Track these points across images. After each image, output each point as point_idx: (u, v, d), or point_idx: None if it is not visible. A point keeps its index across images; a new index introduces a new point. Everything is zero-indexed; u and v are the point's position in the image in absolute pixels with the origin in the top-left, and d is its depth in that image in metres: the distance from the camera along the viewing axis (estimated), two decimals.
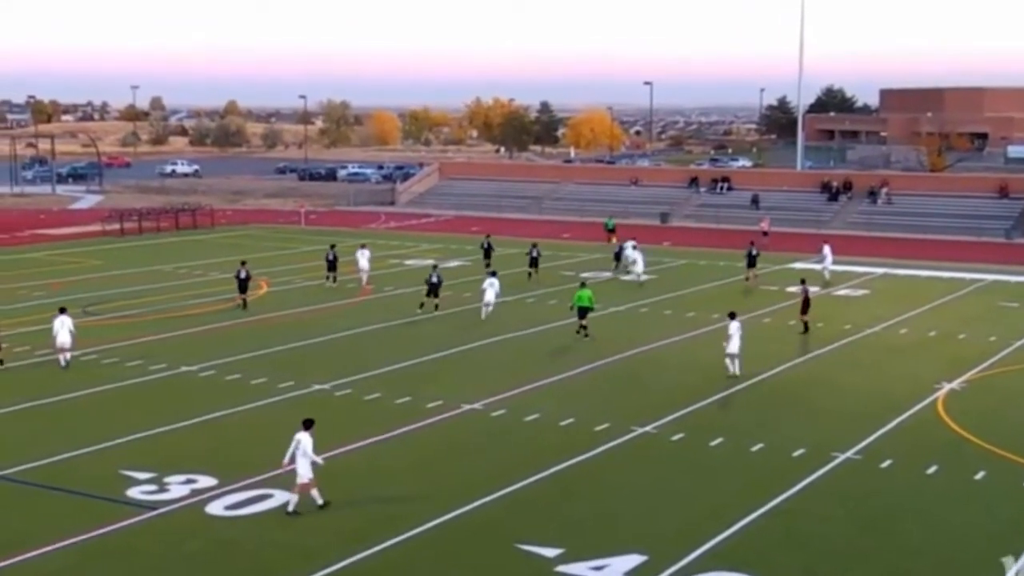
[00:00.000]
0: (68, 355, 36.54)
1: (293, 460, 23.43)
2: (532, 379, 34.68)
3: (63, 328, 36.41)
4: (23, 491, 24.59)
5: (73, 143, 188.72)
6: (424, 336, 41.40)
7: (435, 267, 48.38)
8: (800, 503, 24.21)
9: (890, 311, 47.07)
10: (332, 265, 53.80)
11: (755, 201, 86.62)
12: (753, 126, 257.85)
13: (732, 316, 36.12)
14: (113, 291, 50.81)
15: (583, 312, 41.39)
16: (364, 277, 53.56)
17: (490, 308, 44.99)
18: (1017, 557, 19.52)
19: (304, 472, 23.25)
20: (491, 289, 45.17)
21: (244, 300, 47.47)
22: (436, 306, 46.16)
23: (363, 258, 54.16)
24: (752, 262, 55.29)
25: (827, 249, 56.99)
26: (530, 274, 55.50)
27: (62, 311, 37.38)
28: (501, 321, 44.19)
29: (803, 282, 44.12)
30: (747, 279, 55.02)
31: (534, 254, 56.49)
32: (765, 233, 70.44)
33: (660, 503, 24.24)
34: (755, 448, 27.88)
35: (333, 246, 55.43)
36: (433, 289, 46.25)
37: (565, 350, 39.13)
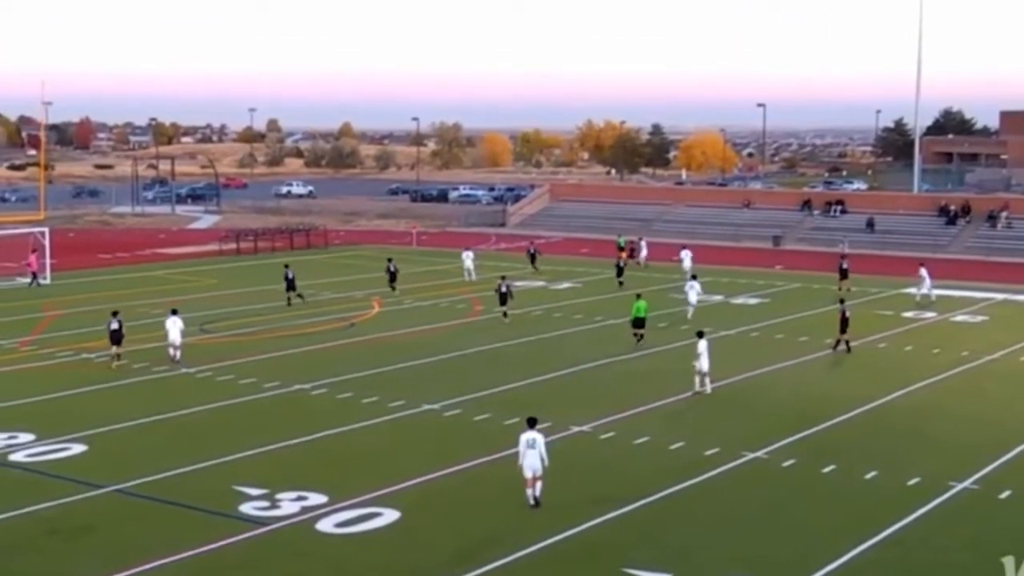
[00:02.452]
0: (178, 352, 40.18)
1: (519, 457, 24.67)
2: (641, 402, 34.49)
3: (174, 327, 40.23)
4: (140, 504, 25.10)
5: (192, 164, 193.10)
6: (533, 358, 41.44)
7: (503, 278, 52.03)
8: (915, 533, 23.68)
9: (1010, 338, 45.91)
10: (393, 277, 57.93)
11: (870, 224, 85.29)
12: (868, 148, 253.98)
13: (700, 335, 36.14)
14: (228, 309, 51.72)
15: (638, 322, 43.61)
16: (468, 277, 60.55)
17: (691, 310, 49.68)
18: (1018, 558, 19.01)
19: (536, 467, 24.28)
20: (692, 292, 49.88)
21: (291, 298, 52.99)
22: (504, 314, 49.26)
23: (468, 260, 61.92)
24: (844, 275, 58.70)
25: (924, 271, 55.83)
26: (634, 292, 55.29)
27: (174, 312, 41.10)
28: (609, 343, 44.06)
29: (842, 302, 45.35)
30: (839, 289, 57.03)
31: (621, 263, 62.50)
32: (844, 256, 69.94)
33: (770, 530, 23.91)
34: (869, 476, 27.37)
35: (391, 259, 60.15)
36: (503, 299, 49.44)
37: (672, 373, 38.80)
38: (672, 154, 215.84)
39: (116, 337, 39.70)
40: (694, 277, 52.89)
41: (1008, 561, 18.91)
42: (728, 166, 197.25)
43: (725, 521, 24.35)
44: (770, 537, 23.48)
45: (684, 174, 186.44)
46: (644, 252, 69.59)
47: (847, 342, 42.68)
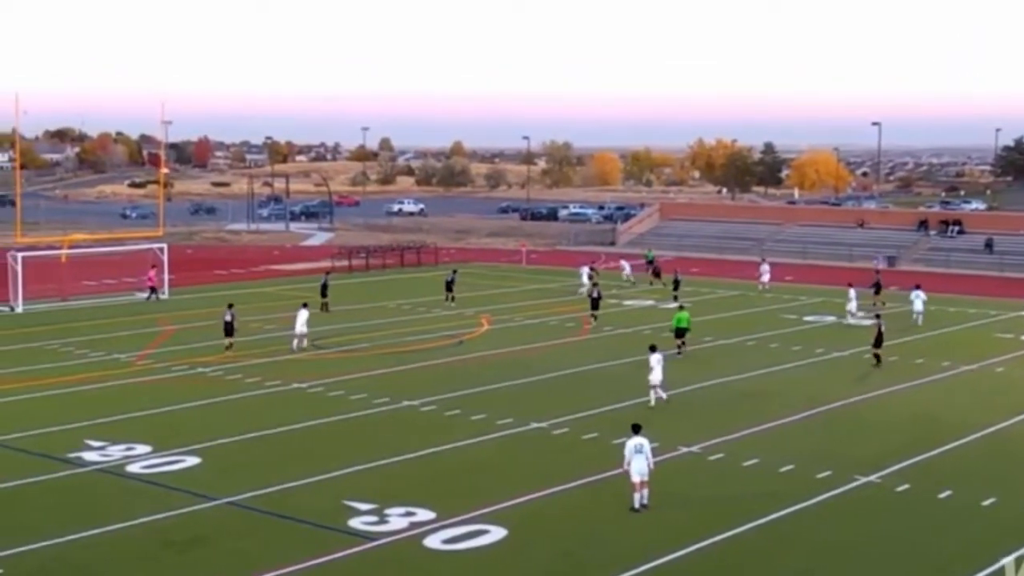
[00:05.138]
0: (304, 342, 45.59)
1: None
2: (750, 423, 34.09)
3: (301, 320, 45.51)
4: (251, 517, 25.43)
5: (306, 182, 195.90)
6: (641, 378, 41.12)
7: (595, 284, 57.05)
8: None
9: None
10: (449, 286, 60.88)
11: (989, 245, 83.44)
12: (987, 167, 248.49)
13: (653, 349, 37.14)
14: (339, 326, 52.28)
15: (680, 332, 45.16)
16: (583, 291, 60.68)
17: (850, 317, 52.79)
18: (1018, 559, 18.38)
19: (643, 472, 25.09)
20: (853, 301, 53.91)
21: (325, 303, 56.01)
22: (595, 316, 53.37)
23: (584, 275, 63.79)
24: (877, 290, 60.50)
25: None
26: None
27: (304, 306, 46.78)
28: (718, 363, 43.68)
29: (878, 317, 45.60)
30: (875, 304, 58.09)
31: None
32: (878, 271, 69.82)
33: (885, 556, 23.41)
34: (987, 502, 26.69)
35: (456, 271, 64.14)
36: (594, 304, 53.66)
37: (781, 394, 38.35)
38: (784, 173, 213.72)
39: (228, 328, 45.08)
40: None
41: (1008, 561, 18.42)
42: (842, 185, 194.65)
43: (837, 547, 23.90)
44: (884, 564, 22.99)
45: (796, 193, 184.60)
46: (767, 276, 67.90)
47: (878, 356, 43.40)
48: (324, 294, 56.56)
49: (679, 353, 44.62)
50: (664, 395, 36.56)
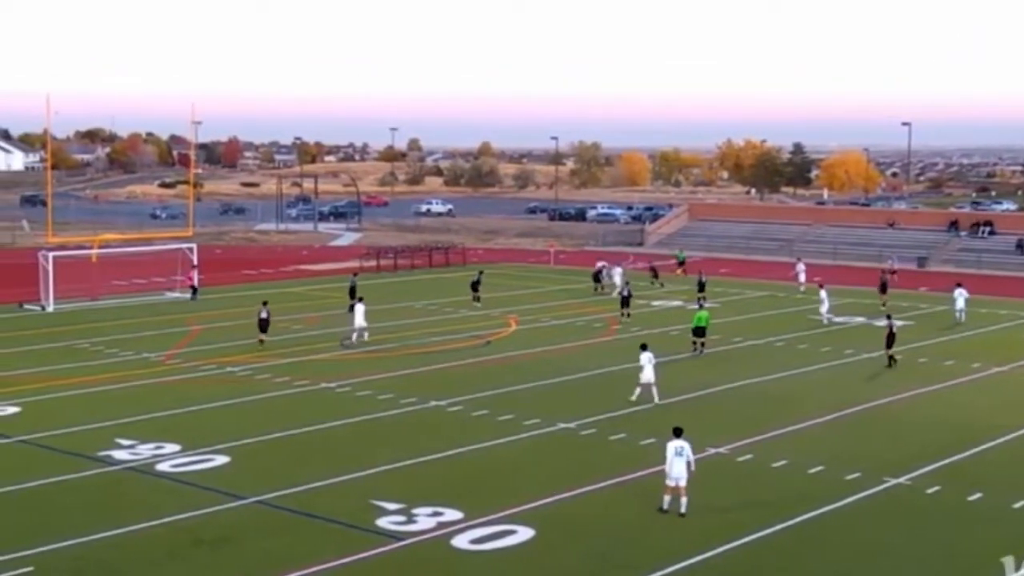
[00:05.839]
0: (364, 335, 47.88)
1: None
2: (779, 424, 33.95)
3: (359, 314, 47.72)
4: (280, 516, 25.50)
5: (335, 183, 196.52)
6: (669, 378, 41.05)
7: (627, 283, 59.31)
8: None
9: None
10: (475, 287, 61.22)
11: (1020, 246, 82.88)
12: (1019, 168, 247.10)
13: (643, 348, 37.37)
14: (367, 326, 52.31)
15: (699, 331, 45.77)
16: (614, 292, 61.31)
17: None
18: (1018, 559, 18.22)
19: (682, 475, 24.85)
20: (826, 303, 54.06)
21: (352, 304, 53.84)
22: (628, 315, 54.76)
23: (617, 276, 64.09)
24: (884, 289, 60.92)
25: None
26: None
27: (360, 300, 49.25)
28: (746, 364, 43.54)
29: (889, 317, 45.89)
30: (883, 304, 58.61)
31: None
32: (893, 271, 70.22)
33: (916, 558, 23.28)
34: (1017, 505, 26.49)
35: (482, 272, 64.73)
36: (625, 301, 55.06)
37: (809, 396, 38.19)
38: (813, 173, 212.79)
39: (263, 325, 47.16)
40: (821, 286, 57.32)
41: (1008, 561, 18.29)
42: (871, 186, 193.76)
43: (868, 549, 23.78)
44: (915, 565, 22.88)
45: (826, 194, 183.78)
46: (803, 276, 67.53)
47: (891, 357, 43.41)
48: (352, 295, 56.65)
49: (700, 352, 45.51)
50: (657, 397, 36.50)
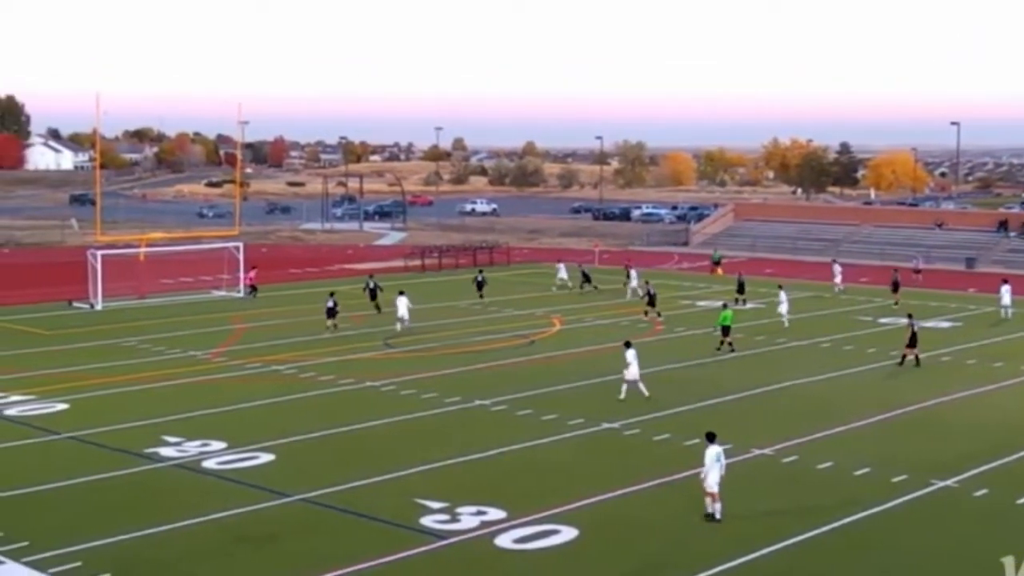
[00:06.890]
0: (407, 324, 49.75)
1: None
2: (824, 426, 33.71)
3: (402, 305, 49.92)
4: (324, 514, 25.60)
5: (379, 182, 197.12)
6: (712, 379, 40.96)
7: (647, 282, 58.50)
8: None
9: None
10: (480, 285, 62.20)
11: None
12: None
13: (628, 345, 37.58)
14: (412, 324, 52.44)
15: (726, 330, 46.33)
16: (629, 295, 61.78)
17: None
18: (1018, 558, 17.90)
19: (715, 482, 24.67)
20: (784, 303, 53.07)
21: (378, 307, 55.86)
22: (659, 313, 54.80)
23: (634, 279, 62.85)
24: (895, 288, 60.96)
25: None
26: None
27: (401, 293, 50.92)
28: (791, 365, 43.29)
29: (910, 316, 45.20)
30: (895, 303, 59.05)
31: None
32: (917, 271, 70.16)
33: (963, 561, 23.06)
34: None
35: (481, 271, 65.86)
36: (651, 300, 55.15)
37: (853, 398, 37.89)
38: (860, 173, 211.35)
39: (331, 312, 50.90)
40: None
41: (1008, 561, 18.04)
42: (919, 186, 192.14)
43: (915, 551, 23.57)
44: (962, 569, 22.67)
45: (872, 194, 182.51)
46: (839, 277, 66.93)
47: (916, 356, 43.12)
48: (374, 297, 56.52)
49: (731, 350, 45.80)
50: (646, 392, 36.69)
